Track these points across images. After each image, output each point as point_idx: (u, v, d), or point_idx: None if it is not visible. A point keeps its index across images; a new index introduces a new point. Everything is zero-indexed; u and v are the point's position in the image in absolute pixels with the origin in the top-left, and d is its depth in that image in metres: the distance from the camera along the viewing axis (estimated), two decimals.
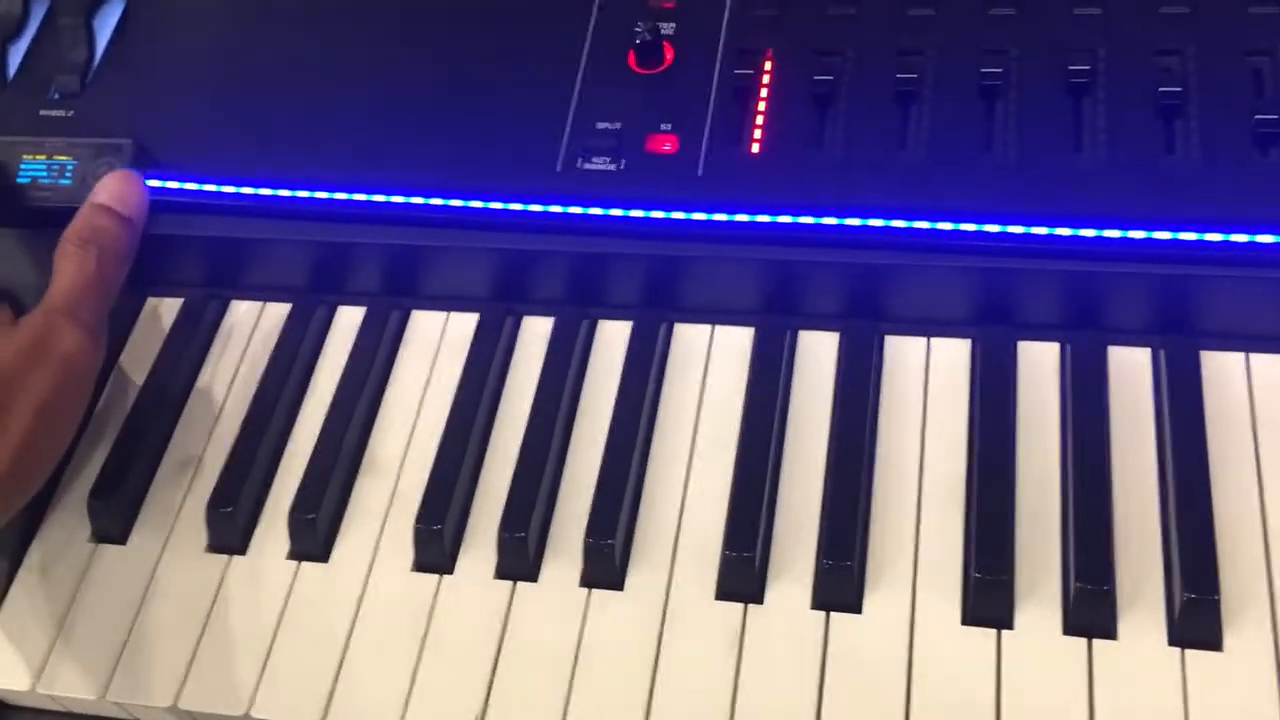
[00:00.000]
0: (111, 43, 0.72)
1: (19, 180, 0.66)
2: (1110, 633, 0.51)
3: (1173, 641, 0.50)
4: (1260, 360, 0.57)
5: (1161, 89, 0.59)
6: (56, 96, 0.71)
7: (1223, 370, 0.57)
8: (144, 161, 0.66)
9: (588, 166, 0.63)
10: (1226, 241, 0.55)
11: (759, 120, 0.63)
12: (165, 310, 0.68)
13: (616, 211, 0.61)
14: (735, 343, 0.62)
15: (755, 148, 0.62)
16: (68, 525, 0.61)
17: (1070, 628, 0.51)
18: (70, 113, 0.70)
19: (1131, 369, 0.58)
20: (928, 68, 0.62)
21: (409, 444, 0.61)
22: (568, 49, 0.66)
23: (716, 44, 0.65)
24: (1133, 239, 0.56)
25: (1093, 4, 0.62)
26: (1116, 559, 0.52)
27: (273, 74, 0.69)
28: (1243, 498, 0.53)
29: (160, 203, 0.65)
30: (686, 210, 0.60)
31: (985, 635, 0.52)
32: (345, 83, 0.68)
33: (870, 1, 0.65)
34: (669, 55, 0.65)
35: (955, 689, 0.50)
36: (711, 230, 0.60)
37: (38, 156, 0.67)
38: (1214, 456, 0.54)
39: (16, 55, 0.73)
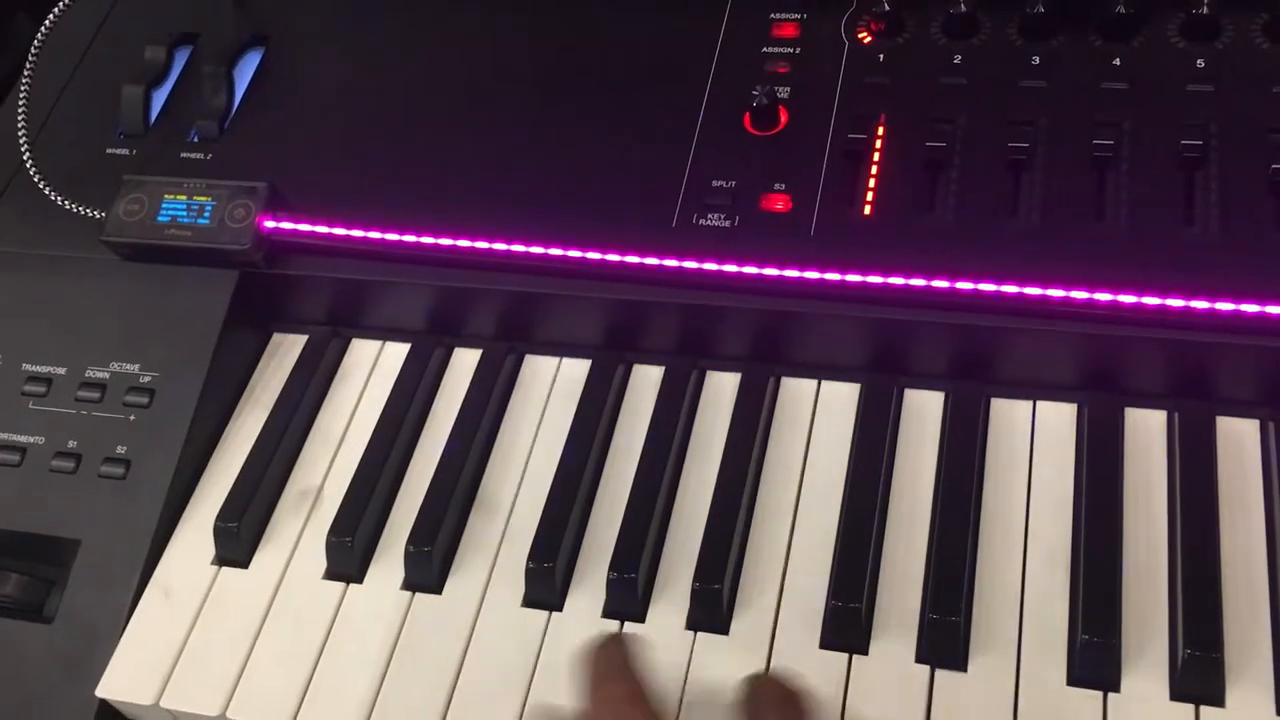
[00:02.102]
0: (249, 91, 0.76)
1: (159, 219, 0.69)
2: (1218, 700, 0.51)
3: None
4: None
5: (1274, 165, 0.60)
6: (196, 140, 0.74)
7: None
8: (277, 204, 0.69)
9: (703, 222, 0.65)
10: None
11: (871, 183, 0.65)
12: (290, 346, 0.71)
13: (730, 267, 0.63)
14: (842, 398, 0.63)
15: (867, 210, 0.64)
16: (193, 549, 0.63)
17: (1177, 693, 0.52)
18: (208, 156, 0.73)
19: (1239, 439, 0.58)
20: (1039, 136, 0.64)
21: (521, 483, 0.63)
22: (686, 109, 0.69)
23: (830, 108, 0.67)
24: (1245, 312, 0.57)
25: (1205, 80, 0.63)
26: (1226, 627, 0.52)
27: (402, 124, 0.72)
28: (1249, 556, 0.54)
29: (290, 244, 0.69)
30: (798, 268, 0.62)
31: (1090, 697, 0.52)
32: (472, 134, 0.71)
33: (982, 71, 0.67)
34: (784, 118, 0.67)
35: None
36: (822, 288, 0.62)
37: (178, 196, 0.70)
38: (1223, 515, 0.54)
39: (159, 100, 0.77)
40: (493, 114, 0.71)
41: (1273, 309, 0.56)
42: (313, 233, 0.68)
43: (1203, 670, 0.51)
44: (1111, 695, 0.52)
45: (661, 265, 0.64)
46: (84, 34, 0.80)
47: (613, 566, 0.58)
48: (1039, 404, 0.61)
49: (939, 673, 0.54)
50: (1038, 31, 0.67)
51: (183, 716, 0.59)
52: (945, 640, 0.54)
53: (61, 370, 0.68)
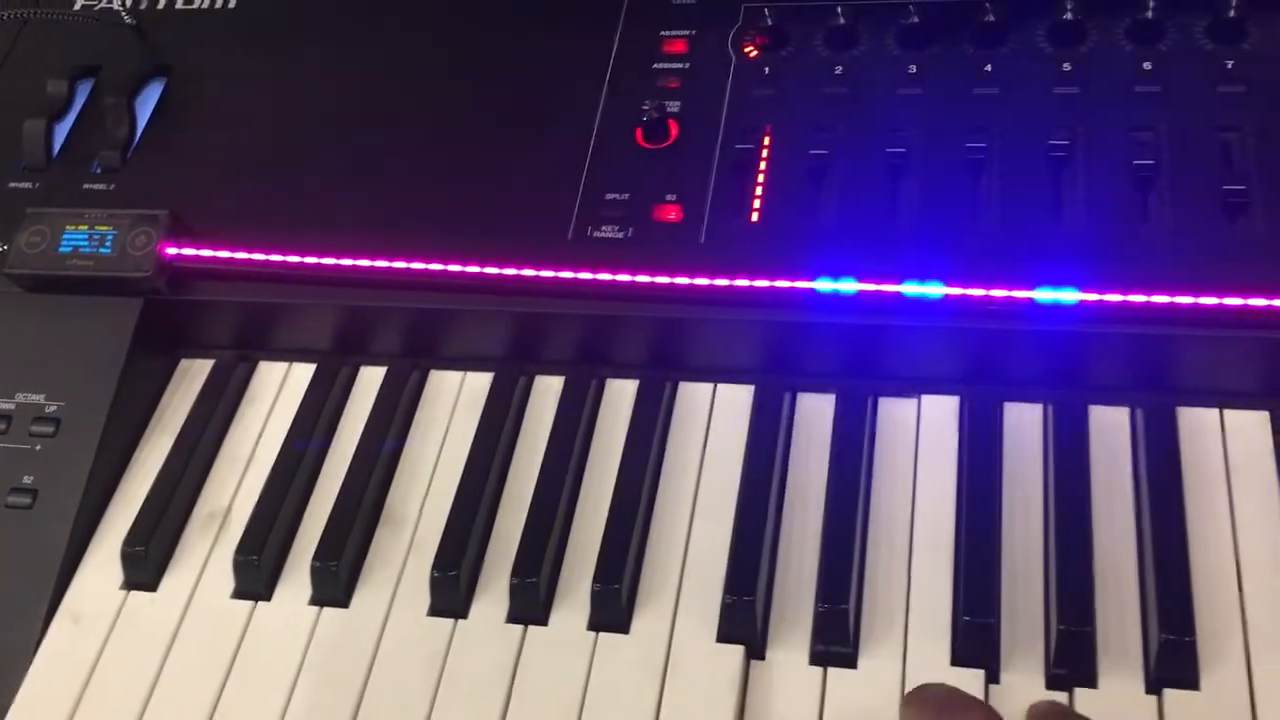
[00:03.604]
0: (151, 121, 0.77)
1: (61, 249, 0.70)
2: (1092, 673, 0.53)
3: (1150, 689, 0.53)
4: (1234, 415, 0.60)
5: (1135, 161, 0.63)
6: (99, 171, 0.75)
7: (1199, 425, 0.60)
8: (179, 230, 0.70)
9: (597, 234, 0.67)
10: (1197, 304, 0.58)
11: (758, 191, 0.67)
12: (197, 370, 0.71)
13: (624, 276, 0.65)
14: (736, 400, 0.65)
15: (755, 217, 0.66)
16: (101, 575, 0.64)
17: (1054, 671, 0.54)
18: (111, 186, 0.74)
19: (1113, 427, 0.61)
20: (916, 142, 0.66)
21: (426, 496, 0.64)
22: (580, 125, 0.70)
23: (719, 120, 0.69)
24: (1109, 302, 0.59)
25: (1072, 84, 0.66)
26: (1098, 607, 0.54)
27: (300, 149, 0.74)
28: (1218, 546, 0.56)
29: (194, 270, 0.69)
30: (690, 275, 0.64)
31: (974, 676, 0.54)
32: (369, 156, 0.72)
33: (862, 81, 0.69)
34: (674, 131, 0.69)
35: None
36: (713, 294, 0.64)
37: (80, 227, 0.71)
38: (1190, 508, 0.57)
39: (61, 133, 0.77)
40: (391, 135, 0.73)
41: (1133, 297, 0.59)
42: (215, 258, 0.69)
43: (1078, 652, 0.53)
44: (992, 686, 0.54)
45: (558, 277, 0.66)
46: None
47: (515, 572, 0.59)
48: (924, 399, 0.64)
49: (831, 666, 0.56)
50: (914, 42, 0.69)
51: None
52: (835, 629, 0.56)
53: None
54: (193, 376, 0.71)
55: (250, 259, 0.69)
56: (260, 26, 0.79)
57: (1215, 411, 0.60)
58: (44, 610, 0.62)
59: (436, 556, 0.60)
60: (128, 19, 0.81)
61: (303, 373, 0.70)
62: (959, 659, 0.55)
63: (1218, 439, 0.59)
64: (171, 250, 0.69)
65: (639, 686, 0.56)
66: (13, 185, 0.75)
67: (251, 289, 0.70)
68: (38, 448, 0.66)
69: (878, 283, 0.62)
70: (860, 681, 0.55)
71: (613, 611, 0.58)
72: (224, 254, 0.69)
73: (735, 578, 0.58)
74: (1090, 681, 0.53)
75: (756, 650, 0.57)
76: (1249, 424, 0.60)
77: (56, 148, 0.77)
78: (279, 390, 0.70)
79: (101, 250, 0.69)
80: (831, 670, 0.55)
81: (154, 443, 0.69)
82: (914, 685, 0.54)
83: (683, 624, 0.58)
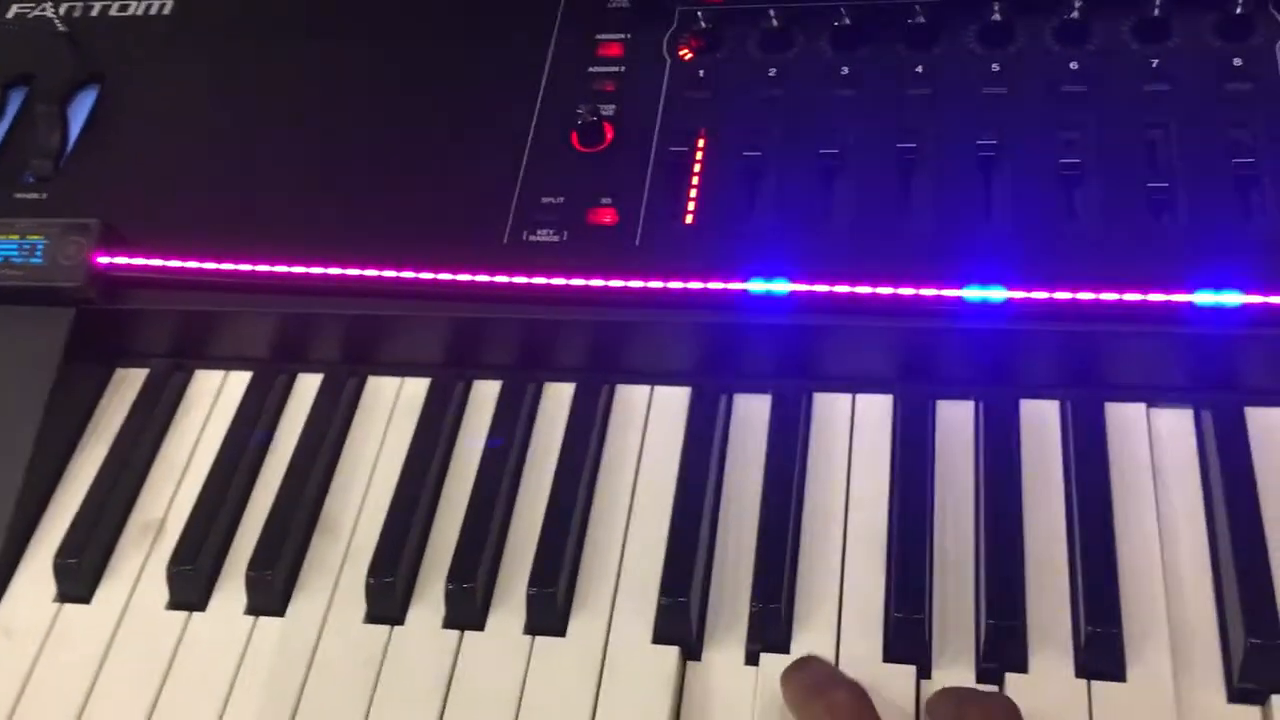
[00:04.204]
0: (85, 129, 0.76)
1: None
2: (1022, 666, 0.54)
3: (1079, 674, 0.54)
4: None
5: (1062, 160, 0.63)
6: (30, 180, 0.74)
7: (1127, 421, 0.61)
8: (111, 239, 0.69)
9: (533, 238, 0.67)
10: (1122, 300, 0.59)
11: (693, 193, 0.67)
12: (132, 380, 0.71)
13: (559, 280, 0.65)
14: (674, 402, 0.66)
15: (689, 219, 0.66)
16: (33, 588, 0.63)
17: (983, 665, 0.54)
18: (43, 195, 0.73)
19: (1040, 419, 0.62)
20: (849, 142, 0.67)
21: (363, 503, 0.64)
22: (515, 129, 0.71)
23: (654, 123, 0.70)
24: (1036, 299, 0.60)
25: (1000, 84, 0.67)
26: (1028, 598, 0.55)
27: (233, 156, 0.73)
28: (1144, 539, 0.57)
29: (126, 279, 0.69)
30: (624, 278, 0.64)
31: (906, 672, 0.55)
32: (302, 162, 0.72)
33: (795, 83, 0.70)
34: (609, 134, 0.70)
35: None
36: (648, 296, 0.64)
37: (10, 236, 0.70)
38: (1117, 500, 0.58)
39: None
40: (326, 141, 0.73)
41: (1059, 294, 0.59)
42: (148, 266, 0.69)
43: (1007, 642, 0.54)
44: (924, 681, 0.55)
45: (494, 281, 0.66)
46: None
47: (450, 577, 0.59)
48: (858, 397, 0.64)
49: (764, 657, 0.56)
50: (845, 43, 0.70)
51: None
52: (770, 627, 0.56)
53: None
54: (128, 386, 0.71)
55: (184, 267, 0.69)
56: (193, 34, 0.79)
57: (1142, 407, 0.61)
58: None
59: (372, 563, 0.60)
60: (61, 26, 0.80)
61: (239, 381, 0.70)
62: (891, 655, 0.55)
63: (1144, 435, 0.60)
64: (104, 259, 0.68)
65: (576, 689, 0.56)
66: None
67: (186, 297, 0.69)
68: None
69: (811, 283, 0.63)
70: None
71: (549, 615, 0.58)
72: (157, 262, 0.69)
73: (670, 579, 0.58)
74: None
75: (692, 651, 0.57)
76: (1174, 420, 0.61)
77: None
78: (215, 398, 0.70)
79: (32, 260, 0.69)
80: (765, 669, 0.56)
81: (89, 453, 0.68)
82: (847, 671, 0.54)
83: (619, 626, 0.58)
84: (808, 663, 0.55)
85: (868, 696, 0.51)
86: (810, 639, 0.56)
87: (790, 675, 0.54)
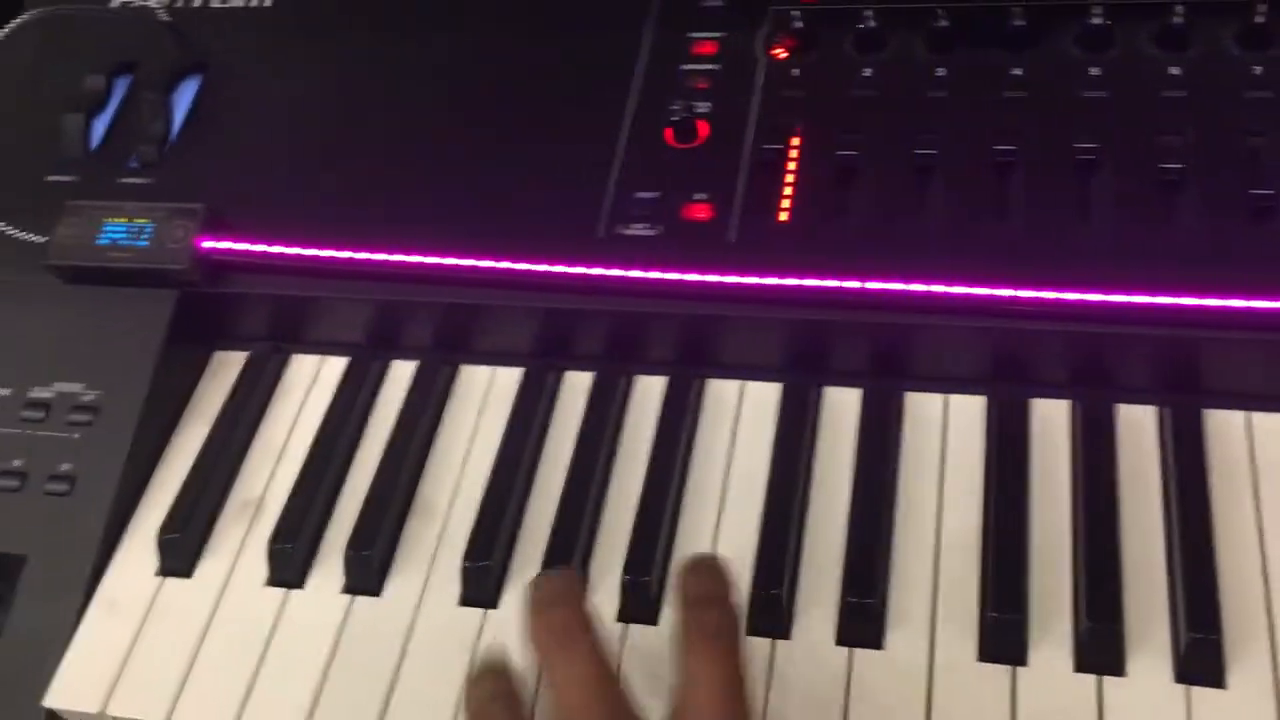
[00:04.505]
0: (188, 116, 0.78)
1: (99, 242, 0.71)
2: (1119, 670, 0.54)
3: (1179, 679, 0.53)
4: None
5: (1161, 165, 0.63)
6: (136, 165, 0.76)
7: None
8: (215, 224, 0.71)
9: (627, 232, 0.68)
10: (1223, 305, 0.59)
11: (788, 191, 0.67)
12: (230, 363, 0.72)
13: (654, 274, 0.66)
14: (764, 398, 0.66)
15: (784, 216, 0.67)
16: (137, 561, 0.65)
17: (1082, 665, 0.54)
18: (149, 180, 0.75)
19: (1138, 425, 0.62)
20: (944, 144, 0.67)
21: (457, 488, 0.65)
22: (610, 125, 0.71)
23: (748, 121, 0.70)
24: (1136, 303, 0.60)
25: (1100, 88, 0.67)
26: (1125, 600, 0.55)
27: (337, 143, 0.75)
28: (1244, 545, 0.56)
29: (229, 263, 0.71)
30: (719, 273, 0.65)
31: (1000, 670, 0.55)
32: (405, 153, 0.73)
33: (890, 84, 0.70)
34: (704, 131, 0.70)
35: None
36: (742, 292, 0.65)
37: (118, 219, 0.72)
38: (1216, 507, 0.57)
39: (99, 128, 0.79)
40: (425, 133, 0.74)
41: (1162, 299, 0.59)
42: (250, 251, 0.70)
43: (1104, 641, 0.54)
44: (1020, 669, 0.55)
45: (589, 273, 0.66)
46: (24, 64, 0.81)
47: (545, 563, 0.60)
48: (950, 397, 0.64)
49: (857, 652, 0.56)
50: (941, 45, 0.70)
51: None
52: (865, 622, 0.56)
53: (5, 391, 0.69)
54: (226, 368, 0.72)
55: (284, 253, 0.70)
56: (295, 25, 0.81)
57: (1241, 414, 0.61)
58: (80, 596, 0.63)
59: (468, 548, 0.61)
60: (165, 16, 0.82)
61: (335, 366, 0.71)
62: (985, 655, 0.55)
63: (1244, 441, 0.60)
64: (208, 244, 0.70)
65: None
66: (51, 179, 0.76)
67: (285, 282, 0.71)
68: (75, 436, 0.67)
69: (902, 282, 0.63)
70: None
71: (642, 603, 0.59)
72: (259, 248, 0.70)
73: (762, 573, 0.58)
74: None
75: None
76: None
77: (95, 142, 0.78)
78: (312, 383, 0.71)
79: (139, 243, 0.70)
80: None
81: (188, 433, 0.70)
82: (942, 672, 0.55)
83: None
84: (546, 577, 0.54)
85: (590, 617, 0.51)
86: (904, 635, 0.57)
87: (530, 587, 0.53)
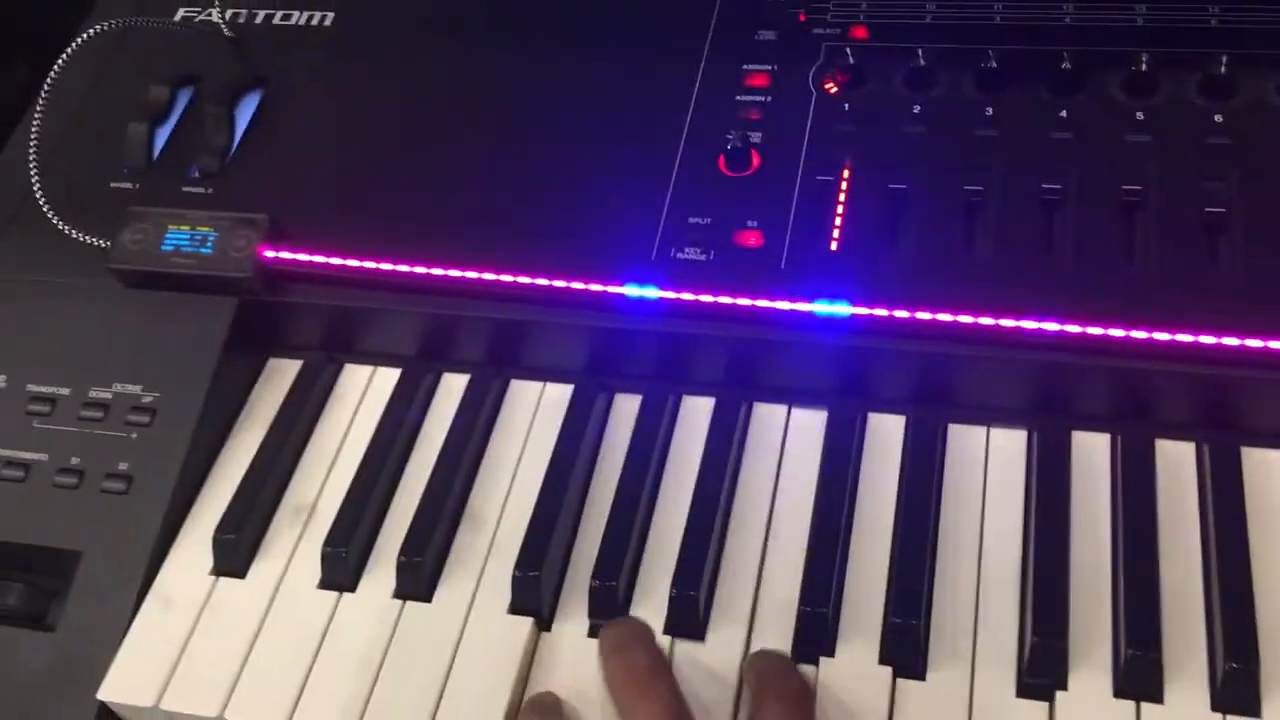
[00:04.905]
0: (249, 129, 0.80)
1: (163, 248, 0.73)
2: (1157, 697, 0.55)
3: (1215, 707, 0.55)
4: None
5: (1206, 209, 0.65)
6: (197, 176, 0.78)
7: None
8: (276, 234, 0.73)
9: (680, 256, 0.69)
10: (1265, 346, 0.60)
11: (838, 221, 0.69)
12: (285, 370, 0.74)
13: (705, 297, 0.67)
14: (809, 423, 0.68)
15: (834, 245, 0.68)
16: (191, 560, 0.66)
17: (1120, 692, 0.56)
18: (210, 190, 0.77)
19: (1177, 460, 0.63)
20: (992, 180, 0.69)
21: (507, 499, 0.67)
22: (664, 151, 0.73)
23: (800, 152, 0.72)
24: (1180, 341, 0.61)
25: (1143, 131, 0.69)
26: (1164, 630, 0.56)
27: (393, 161, 0.76)
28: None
29: (289, 273, 0.72)
30: (770, 298, 0.67)
31: (1037, 706, 0.56)
32: (462, 170, 0.75)
33: (939, 120, 0.72)
34: (756, 160, 0.72)
35: None
36: (792, 318, 0.66)
37: (181, 226, 0.74)
38: (1254, 542, 0.59)
39: (162, 138, 0.81)
40: (482, 151, 0.76)
41: (1204, 338, 0.61)
42: (310, 262, 0.72)
43: (1143, 669, 0.55)
44: (1060, 694, 0.56)
45: (642, 294, 0.68)
46: (91, 74, 0.84)
47: (595, 575, 0.61)
48: (992, 430, 0.66)
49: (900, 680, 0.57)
50: (990, 85, 0.72)
51: (180, 718, 0.61)
52: (907, 644, 0.58)
53: (65, 391, 0.71)
54: (281, 375, 0.74)
55: (342, 265, 0.72)
56: (355, 43, 0.83)
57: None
58: (135, 592, 0.65)
59: (519, 557, 0.63)
60: (228, 32, 0.84)
61: (387, 376, 0.73)
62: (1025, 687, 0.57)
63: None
64: (270, 253, 0.72)
65: (716, 692, 0.58)
66: (114, 185, 0.78)
67: (342, 294, 0.72)
68: (133, 436, 0.69)
69: (950, 313, 0.65)
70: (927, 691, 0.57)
71: (690, 618, 0.60)
72: (318, 259, 0.72)
73: (809, 592, 0.60)
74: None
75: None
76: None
77: (157, 151, 0.80)
78: (364, 392, 0.73)
79: (203, 250, 0.72)
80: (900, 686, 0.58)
81: (243, 437, 0.71)
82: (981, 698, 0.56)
83: (759, 631, 0.60)
84: (622, 622, 0.58)
85: (665, 659, 0.54)
86: (943, 663, 0.58)
87: (603, 632, 0.58)
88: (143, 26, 0.84)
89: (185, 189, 0.77)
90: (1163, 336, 0.62)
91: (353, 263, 0.72)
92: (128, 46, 0.85)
